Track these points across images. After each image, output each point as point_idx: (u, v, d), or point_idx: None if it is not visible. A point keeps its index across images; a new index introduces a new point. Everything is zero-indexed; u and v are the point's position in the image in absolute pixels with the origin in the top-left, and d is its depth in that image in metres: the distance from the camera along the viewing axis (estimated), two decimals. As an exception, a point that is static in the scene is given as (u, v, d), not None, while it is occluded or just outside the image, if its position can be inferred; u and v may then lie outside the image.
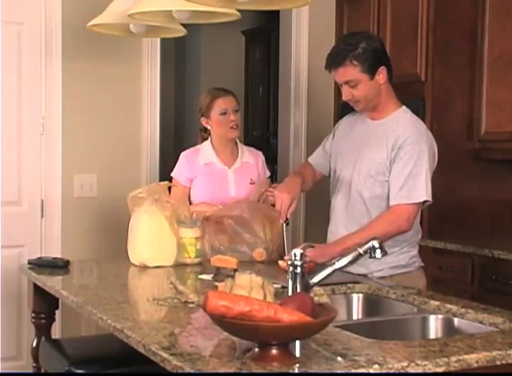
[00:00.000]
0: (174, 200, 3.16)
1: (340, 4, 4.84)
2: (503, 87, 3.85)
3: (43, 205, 4.18)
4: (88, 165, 4.27)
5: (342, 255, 2.25)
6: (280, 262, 2.79)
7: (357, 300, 2.60)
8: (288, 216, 2.82)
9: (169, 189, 3.24)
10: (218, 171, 3.47)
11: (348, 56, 2.76)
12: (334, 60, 2.81)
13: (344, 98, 2.87)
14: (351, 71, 2.77)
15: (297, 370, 1.62)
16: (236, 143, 3.57)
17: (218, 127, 3.49)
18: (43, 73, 4.14)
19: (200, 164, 3.47)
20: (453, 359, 1.71)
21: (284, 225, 2.83)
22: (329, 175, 3.09)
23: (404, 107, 2.92)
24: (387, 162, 2.80)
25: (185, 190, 3.45)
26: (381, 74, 2.81)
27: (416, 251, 2.94)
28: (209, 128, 3.53)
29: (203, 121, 3.54)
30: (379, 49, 2.83)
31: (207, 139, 3.56)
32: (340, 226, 2.93)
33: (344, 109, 3.26)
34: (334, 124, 3.21)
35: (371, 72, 2.79)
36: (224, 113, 3.47)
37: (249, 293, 1.76)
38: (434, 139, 2.86)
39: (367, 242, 2.23)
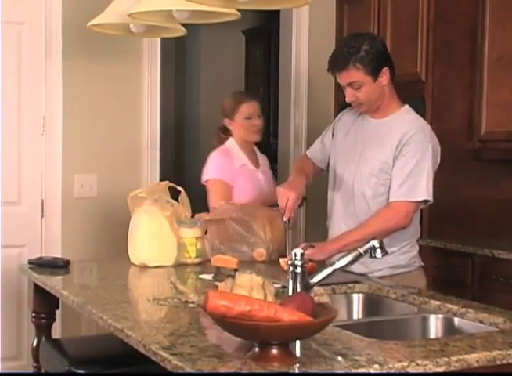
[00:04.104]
0: (223, 200, 3.19)
1: (340, 4, 4.84)
2: (503, 87, 3.85)
3: (43, 205, 4.18)
4: (88, 165, 4.27)
5: (342, 254, 2.26)
6: (281, 261, 2.79)
7: (357, 300, 2.60)
8: (292, 215, 2.81)
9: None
10: (251, 173, 3.49)
11: (351, 59, 2.75)
12: (337, 63, 2.81)
13: (348, 100, 2.86)
14: (354, 74, 2.77)
15: (297, 370, 1.62)
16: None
17: (241, 130, 3.54)
18: (43, 73, 4.14)
19: (235, 166, 3.47)
20: (454, 358, 1.71)
21: (286, 223, 2.82)
22: (328, 169, 3.09)
23: (407, 106, 2.92)
24: (390, 161, 2.80)
25: (231, 189, 3.42)
26: (384, 76, 2.81)
27: (416, 251, 2.94)
28: (231, 129, 3.56)
29: (227, 121, 3.57)
30: (381, 50, 2.83)
31: (225, 139, 3.57)
32: (341, 223, 2.93)
33: (342, 109, 3.26)
34: (334, 124, 3.21)
35: (374, 74, 2.78)
36: (248, 118, 3.53)
37: (249, 293, 1.76)
38: (437, 140, 2.86)
39: (365, 239, 2.23)
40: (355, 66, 2.76)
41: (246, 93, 3.58)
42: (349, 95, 2.83)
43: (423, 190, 2.75)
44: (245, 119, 3.51)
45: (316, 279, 2.12)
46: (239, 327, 1.64)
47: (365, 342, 1.86)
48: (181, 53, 7.19)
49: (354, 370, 1.62)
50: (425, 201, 2.79)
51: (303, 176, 2.94)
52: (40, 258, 3.10)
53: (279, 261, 2.83)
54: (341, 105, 4.08)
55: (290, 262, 2.05)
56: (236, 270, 2.51)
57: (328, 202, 3.05)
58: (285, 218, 2.80)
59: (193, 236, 3.05)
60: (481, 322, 2.17)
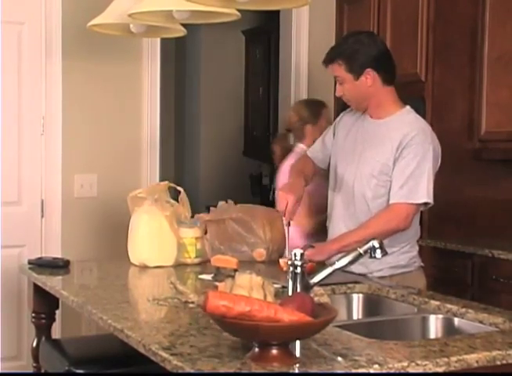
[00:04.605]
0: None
1: (340, 4, 4.84)
2: (503, 87, 3.85)
3: (43, 205, 4.18)
4: (88, 165, 4.27)
5: (341, 254, 2.26)
6: (280, 261, 2.78)
7: (357, 300, 2.60)
8: (292, 217, 2.80)
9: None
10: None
11: (337, 55, 2.84)
12: (326, 57, 2.90)
13: (337, 94, 2.94)
14: (337, 69, 2.85)
15: (297, 370, 1.62)
16: None
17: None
18: (43, 73, 4.14)
19: None
20: (453, 359, 1.71)
21: (287, 226, 2.81)
22: (328, 169, 3.09)
23: (408, 107, 2.91)
24: (390, 163, 2.79)
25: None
26: (368, 76, 2.81)
27: (416, 251, 2.94)
28: (310, 135, 3.60)
29: (308, 128, 3.62)
30: (374, 52, 2.83)
31: (290, 146, 3.65)
32: (340, 224, 2.93)
33: (343, 109, 3.27)
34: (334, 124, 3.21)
35: (356, 73, 2.81)
36: (329, 122, 3.61)
37: (249, 293, 1.76)
38: (438, 141, 2.86)
39: (365, 240, 2.23)
40: (337, 62, 2.84)
41: (317, 99, 3.89)
42: (338, 89, 2.92)
43: (424, 192, 2.74)
44: (327, 122, 3.61)
45: (316, 279, 2.12)
46: (239, 327, 1.64)
47: (365, 342, 1.86)
48: (181, 53, 7.19)
49: (354, 370, 1.62)
50: (425, 203, 2.78)
51: (302, 178, 2.95)
52: (40, 259, 3.10)
53: (278, 261, 2.83)
54: (341, 104, 4.08)
55: (289, 263, 2.05)
56: (235, 270, 2.51)
57: (328, 203, 3.05)
58: (285, 222, 2.80)
59: (193, 236, 3.05)
60: (480, 322, 2.17)
